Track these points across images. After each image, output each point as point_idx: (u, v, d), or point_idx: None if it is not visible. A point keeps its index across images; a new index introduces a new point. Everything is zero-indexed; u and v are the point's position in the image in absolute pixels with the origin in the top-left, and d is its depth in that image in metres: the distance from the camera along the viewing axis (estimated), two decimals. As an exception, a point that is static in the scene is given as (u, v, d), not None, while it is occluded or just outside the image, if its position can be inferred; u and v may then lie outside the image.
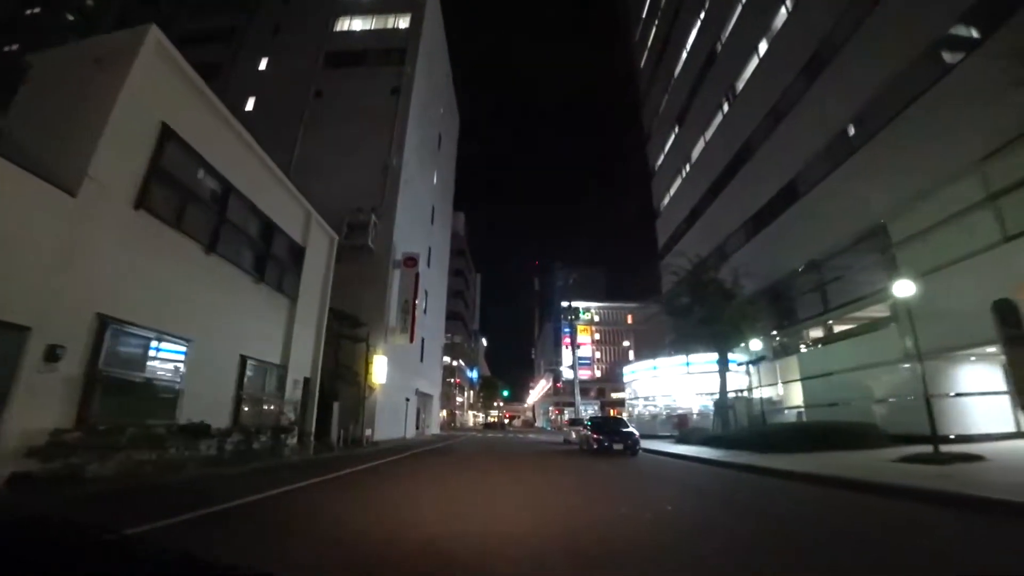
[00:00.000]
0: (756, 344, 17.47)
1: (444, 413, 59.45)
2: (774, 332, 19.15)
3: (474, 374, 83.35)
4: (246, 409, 10.59)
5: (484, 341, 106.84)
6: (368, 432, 18.16)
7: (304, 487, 7.16)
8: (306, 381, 13.49)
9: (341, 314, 16.88)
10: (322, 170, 23.60)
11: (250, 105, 28.23)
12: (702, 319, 19.68)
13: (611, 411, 59.07)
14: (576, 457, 14.53)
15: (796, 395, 20.34)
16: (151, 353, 8.10)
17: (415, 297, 22.85)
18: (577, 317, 43.38)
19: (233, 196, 10.26)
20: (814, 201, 18.82)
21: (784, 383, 21.51)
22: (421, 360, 31.26)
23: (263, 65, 30.23)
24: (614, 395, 74.16)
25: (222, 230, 9.86)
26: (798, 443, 12.89)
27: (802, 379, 19.61)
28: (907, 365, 14.10)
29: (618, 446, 15.26)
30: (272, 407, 11.80)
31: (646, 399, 32.62)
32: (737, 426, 19.62)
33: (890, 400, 14.75)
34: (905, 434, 13.05)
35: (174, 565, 1.10)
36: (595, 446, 15.52)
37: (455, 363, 63.99)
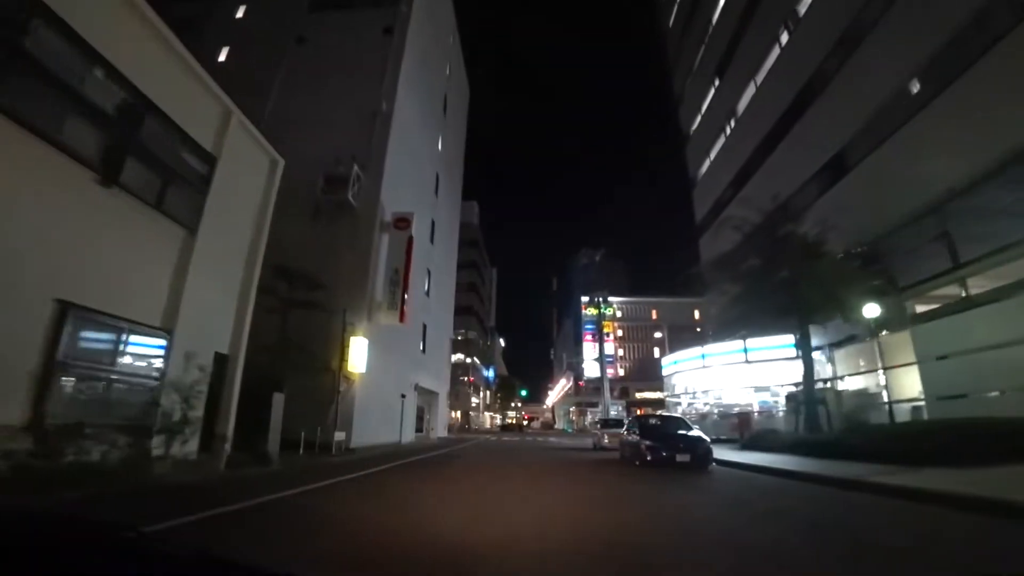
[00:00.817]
0: (872, 309, 12.44)
1: (457, 414, 55.12)
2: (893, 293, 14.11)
3: (490, 373, 78.80)
4: (69, 394, 6.15)
5: (501, 341, 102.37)
6: (340, 436, 13.69)
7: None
8: (220, 360, 9.02)
9: (289, 271, 12.39)
10: (304, 122, 19.52)
11: (223, 56, 24.34)
12: (780, 283, 14.85)
13: (637, 411, 54.29)
14: (624, 473, 9.98)
15: (909, 384, 15.28)
16: None
17: (408, 266, 18.34)
18: (605, 302, 38.55)
19: (44, 24, 5.86)
20: (934, 119, 13.84)
21: (886, 369, 16.41)
22: (423, 351, 26.78)
23: (240, 13, 26.31)
24: (638, 395, 69.40)
25: (12, 67, 5.45)
26: (966, 451, 8.21)
27: (919, 362, 14.59)
28: None
29: (683, 457, 10.71)
30: (152, 396, 7.36)
31: (691, 395, 27.52)
32: (829, 426, 14.80)
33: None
34: None
35: (192, 564, 1.03)
36: (649, 457, 10.87)
37: (469, 360, 59.39)
